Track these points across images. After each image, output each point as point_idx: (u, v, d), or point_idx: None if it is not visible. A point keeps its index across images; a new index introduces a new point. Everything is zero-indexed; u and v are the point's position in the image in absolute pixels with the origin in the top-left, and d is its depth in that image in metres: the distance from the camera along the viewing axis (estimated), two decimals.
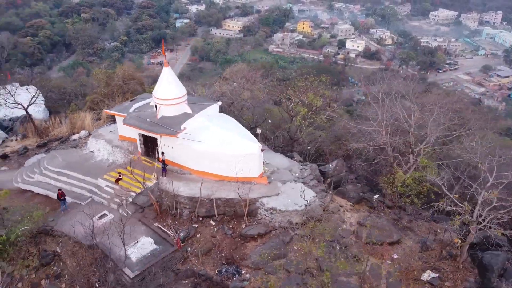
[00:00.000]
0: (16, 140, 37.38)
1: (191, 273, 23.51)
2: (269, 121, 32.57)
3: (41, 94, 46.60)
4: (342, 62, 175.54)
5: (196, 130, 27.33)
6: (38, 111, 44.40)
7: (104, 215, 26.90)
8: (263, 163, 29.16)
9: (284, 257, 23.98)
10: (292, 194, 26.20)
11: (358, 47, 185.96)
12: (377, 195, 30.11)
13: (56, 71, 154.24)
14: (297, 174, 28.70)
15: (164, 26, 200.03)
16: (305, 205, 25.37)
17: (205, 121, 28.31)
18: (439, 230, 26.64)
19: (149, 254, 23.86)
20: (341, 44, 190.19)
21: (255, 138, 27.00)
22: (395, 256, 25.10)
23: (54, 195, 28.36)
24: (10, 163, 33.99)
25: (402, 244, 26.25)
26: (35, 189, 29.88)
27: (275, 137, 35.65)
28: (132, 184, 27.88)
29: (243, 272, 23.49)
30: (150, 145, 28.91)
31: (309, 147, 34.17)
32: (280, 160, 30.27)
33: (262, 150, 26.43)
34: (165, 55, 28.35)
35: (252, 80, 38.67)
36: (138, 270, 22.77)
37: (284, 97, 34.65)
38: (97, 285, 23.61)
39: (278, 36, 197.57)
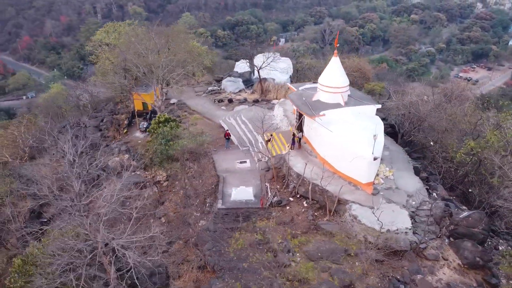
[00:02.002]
0: (247, 92, 47.68)
1: (262, 231, 26.55)
2: (431, 143, 29.20)
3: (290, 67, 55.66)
4: None
5: (336, 121, 28.65)
6: (283, 78, 53.57)
7: (244, 162, 32.75)
8: (386, 176, 27.76)
9: (342, 261, 23.53)
10: (386, 215, 24.37)
11: None
12: None
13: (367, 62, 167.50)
14: (413, 203, 25.85)
15: (492, 41, 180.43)
16: (385, 229, 23.36)
17: (350, 116, 29.02)
18: None
19: (244, 200, 28.29)
20: None
21: (380, 147, 26.16)
22: None
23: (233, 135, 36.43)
24: (230, 106, 44.28)
25: None
26: (225, 127, 38.65)
27: (447, 168, 31.44)
28: (274, 148, 32.40)
29: (297, 255, 24.70)
30: (302, 121, 32.19)
31: (470, 190, 28.66)
32: (410, 184, 27.59)
33: (375, 159, 25.40)
34: (336, 46, 30.04)
35: (447, 99, 34.01)
36: (226, 206, 27.75)
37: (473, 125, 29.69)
38: (208, 204, 30.32)
39: None
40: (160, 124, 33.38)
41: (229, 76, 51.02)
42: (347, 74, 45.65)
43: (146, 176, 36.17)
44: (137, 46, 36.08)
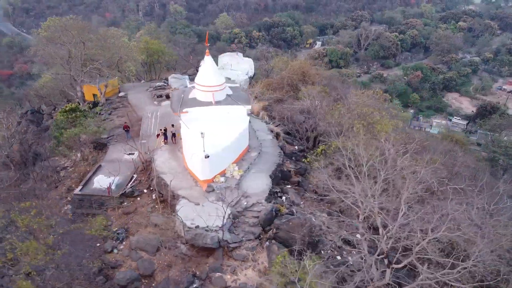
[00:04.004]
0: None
1: (106, 217, 27.76)
2: (296, 147, 28.41)
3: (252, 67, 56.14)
4: None
5: (201, 118, 29.14)
6: (242, 78, 54.01)
7: (132, 153, 33.97)
8: (233, 176, 27.88)
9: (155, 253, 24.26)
10: (206, 212, 24.64)
11: None
12: None
13: (397, 69, 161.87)
14: (245, 204, 25.75)
15: None
16: (194, 226, 23.67)
17: (214, 114, 29.35)
18: None
19: (104, 188, 29.58)
20: None
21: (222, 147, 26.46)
22: None
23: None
24: (163, 102, 45.61)
25: None
26: (144, 121, 40.09)
27: None
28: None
29: (123, 244, 25.67)
30: None
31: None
32: (257, 185, 27.26)
33: (206, 157, 25.65)
34: (207, 45, 30.25)
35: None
36: (82, 192, 29.26)
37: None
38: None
39: None
40: (66, 113, 35.63)
41: (184, 74, 52.52)
42: (288, 77, 45.75)
43: (61, 162, 38.76)
44: (62, 38, 38.65)
